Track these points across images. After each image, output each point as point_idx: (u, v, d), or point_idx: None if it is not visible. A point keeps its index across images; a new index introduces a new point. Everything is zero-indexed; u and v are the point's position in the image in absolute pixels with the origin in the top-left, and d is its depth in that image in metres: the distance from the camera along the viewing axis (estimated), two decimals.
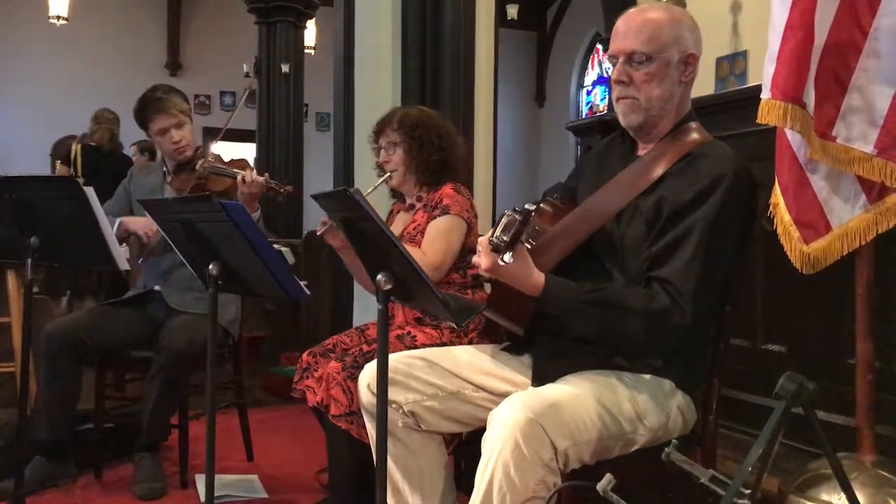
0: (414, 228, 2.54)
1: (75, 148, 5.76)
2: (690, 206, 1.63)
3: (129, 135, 6.17)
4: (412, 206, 2.65)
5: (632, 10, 1.78)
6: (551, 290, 1.59)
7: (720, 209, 1.62)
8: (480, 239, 1.57)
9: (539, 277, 1.58)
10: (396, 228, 2.66)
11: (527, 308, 1.70)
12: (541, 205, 1.82)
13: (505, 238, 1.41)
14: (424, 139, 2.56)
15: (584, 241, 1.73)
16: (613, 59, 1.75)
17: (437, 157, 2.57)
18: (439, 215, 2.49)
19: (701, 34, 1.77)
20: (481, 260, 1.56)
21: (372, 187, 2.58)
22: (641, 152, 1.82)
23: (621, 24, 1.75)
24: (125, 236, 2.97)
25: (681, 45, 1.72)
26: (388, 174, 2.62)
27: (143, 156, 6.30)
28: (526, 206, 1.41)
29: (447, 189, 2.54)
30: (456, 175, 2.62)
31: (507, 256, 1.43)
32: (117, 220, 2.93)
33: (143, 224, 2.95)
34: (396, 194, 2.76)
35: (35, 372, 2.82)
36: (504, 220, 1.42)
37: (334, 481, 2.39)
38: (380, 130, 2.65)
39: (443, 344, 2.35)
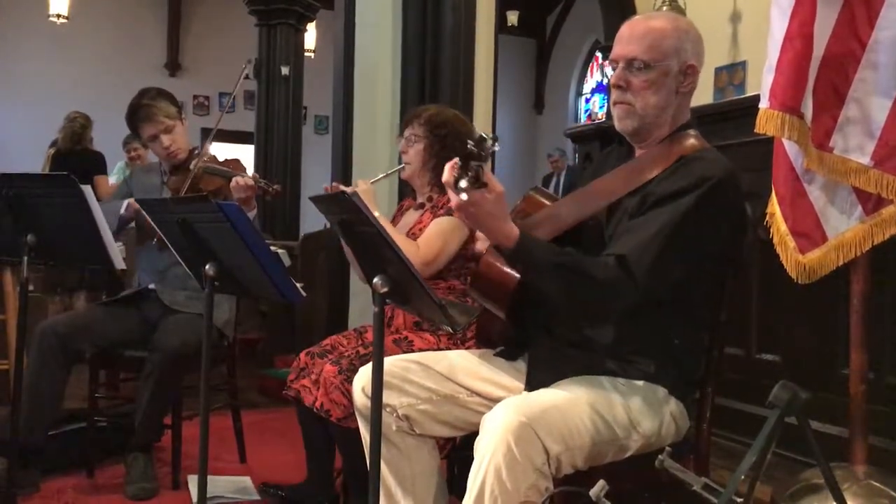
0: (420, 229, 2.54)
1: (48, 154, 5.82)
2: (668, 198, 1.64)
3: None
4: (422, 206, 2.65)
5: (637, 17, 1.79)
6: (524, 244, 1.58)
7: (695, 205, 1.61)
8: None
9: (513, 229, 1.57)
10: (405, 224, 2.66)
11: (507, 288, 1.71)
12: (531, 192, 1.86)
13: (460, 165, 1.43)
14: (447, 140, 2.53)
15: (569, 229, 1.73)
16: (614, 63, 1.75)
17: None
18: (443, 215, 2.50)
19: (704, 46, 1.77)
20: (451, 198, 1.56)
21: (383, 174, 2.56)
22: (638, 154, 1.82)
23: (625, 29, 1.76)
24: (132, 217, 2.91)
25: (681, 55, 1.72)
26: (402, 165, 2.62)
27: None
28: (481, 134, 1.42)
29: None
30: None
31: (463, 182, 1.44)
32: (125, 202, 2.90)
33: None
34: (408, 190, 2.73)
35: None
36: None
37: (350, 477, 2.43)
38: (408, 122, 2.65)
39: (439, 350, 2.35)
